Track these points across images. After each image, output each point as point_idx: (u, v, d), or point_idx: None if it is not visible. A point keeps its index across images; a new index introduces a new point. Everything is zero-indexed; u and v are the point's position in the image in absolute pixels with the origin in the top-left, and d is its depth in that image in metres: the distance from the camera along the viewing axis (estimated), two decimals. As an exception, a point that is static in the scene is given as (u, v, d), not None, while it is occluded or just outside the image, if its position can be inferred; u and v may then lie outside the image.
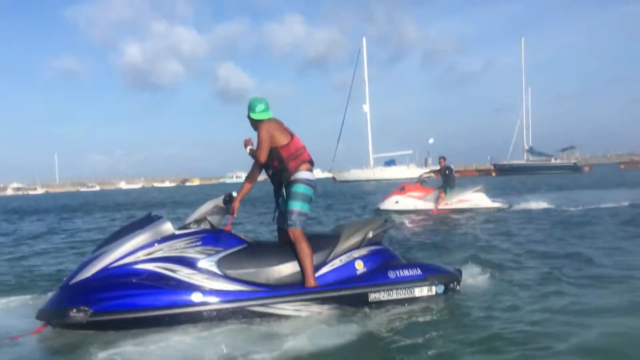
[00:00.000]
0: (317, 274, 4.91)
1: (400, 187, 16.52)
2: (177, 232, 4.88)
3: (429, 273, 5.18)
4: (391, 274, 5.05)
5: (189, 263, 4.69)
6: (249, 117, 5.08)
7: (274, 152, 4.91)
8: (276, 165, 4.96)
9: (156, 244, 4.70)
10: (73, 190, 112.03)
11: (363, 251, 5.18)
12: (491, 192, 16.72)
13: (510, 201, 16.73)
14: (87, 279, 4.52)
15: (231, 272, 4.76)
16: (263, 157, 4.90)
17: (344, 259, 5.09)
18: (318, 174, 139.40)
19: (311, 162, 5.10)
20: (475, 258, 6.98)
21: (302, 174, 4.96)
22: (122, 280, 4.48)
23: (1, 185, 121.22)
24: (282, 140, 4.92)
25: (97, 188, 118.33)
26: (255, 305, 4.66)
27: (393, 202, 16.05)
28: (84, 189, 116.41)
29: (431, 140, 72.92)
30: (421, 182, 16.33)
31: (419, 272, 5.13)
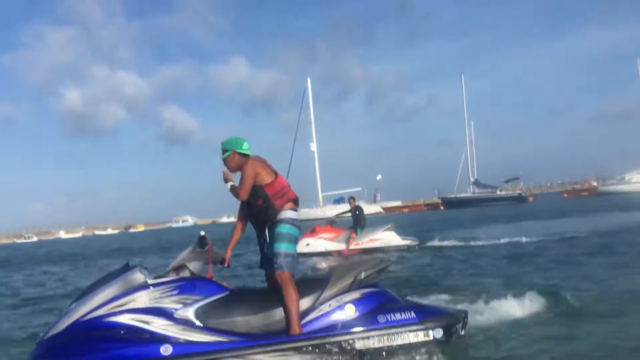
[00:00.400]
0: (303, 321, 4.56)
1: (311, 229, 16.30)
2: (152, 282, 4.56)
3: (424, 316, 4.69)
4: (381, 318, 4.59)
5: (165, 313, 4.43)
6: (228, 155, 4.84)
7: (258, 190, 4.69)
8: (260, 204, 4.70)
9: (130, 295, 4.43)
10: (8, 242, 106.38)
11: (355, 294, 4.74)
12: (438, 227, 16.96)
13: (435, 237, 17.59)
14: (59, 333, 4.35)
15: (210, 322, 4.46)
16: (245, 194, 4.67)
17: (333, 303, 4.68)
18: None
19: (295, 201, 4.85)
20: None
21: (287, 214, 4.71)
22: (93, 334, 4.28)
23: None
24: (267, 178, 4.72)
25: (35, 239, 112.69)
26: (230, 357, 4.32)
27: (304, 245, 15.54)
28: (20, 240, 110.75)
29: (379, 177, 73.74)
30: (331, 223, 16.48)
31: (413, 315, 4.65)
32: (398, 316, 4.61)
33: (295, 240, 4.73)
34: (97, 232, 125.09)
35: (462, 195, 72.67)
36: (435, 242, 16.71)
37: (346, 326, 4.55)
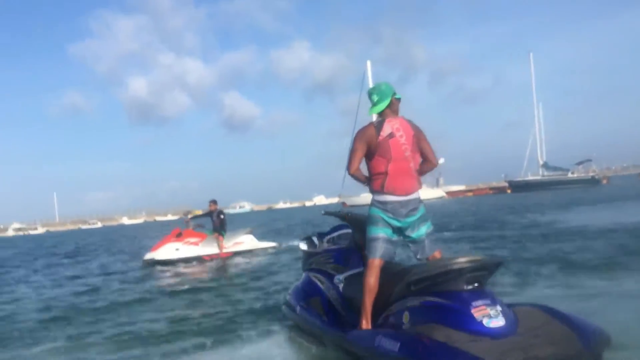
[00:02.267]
0: (379, 317, 4.18)
1: (175, 233, 15.50)
2: (322, 248, 5.41)
3: None
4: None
5: (330, 277, 4.99)
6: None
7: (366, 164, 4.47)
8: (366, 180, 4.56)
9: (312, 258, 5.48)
10: (74, 228, 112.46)
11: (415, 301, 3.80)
12: (507, 210, 16.72)
13: None
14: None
15: (346, 293, 4.70)
16: (353, 164, 4.45)
17: (395, 307, 4.01)
18: (322, 200, 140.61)
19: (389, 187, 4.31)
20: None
21: (376, 195, 4.39)
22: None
23: (1, 227, 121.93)
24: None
25: (99, 225, 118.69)
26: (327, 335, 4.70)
27: (172, 250, 15.01)
28: (85, 226, 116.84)
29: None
30: (195, 227, 15.75)
31: None
32: None
33: (383, 223, 4.29)
34: (158, 218, 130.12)
35: (531, 178, 71.42)
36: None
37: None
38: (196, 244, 15.26)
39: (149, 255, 14.92)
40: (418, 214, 4.32)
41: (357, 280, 4.45)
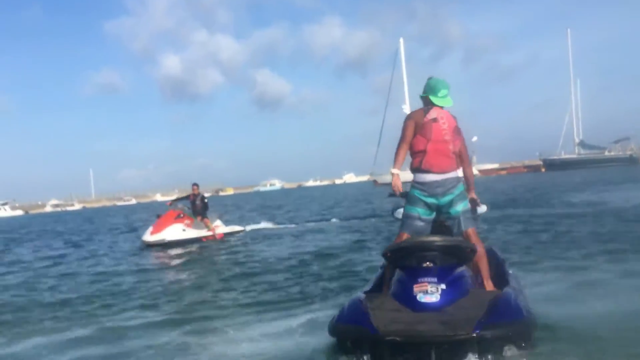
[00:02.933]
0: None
1: (176, 214, 15.40)
2: None
3: None
4: None
5: None
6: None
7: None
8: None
9: None
10: (110, 205, 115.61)
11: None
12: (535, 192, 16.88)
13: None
14: None
15: None
16: (402, 145, 4.96)
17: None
18: (351, 178, 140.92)
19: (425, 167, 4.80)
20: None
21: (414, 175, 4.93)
22: None
23: (40, 203, 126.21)
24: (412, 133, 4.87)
25: (134, 202, 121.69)
26: None
27: (180, 231, 15.07)
28: (120, 202, 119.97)
29: (475, 138, 72.63)
30: (183, 209, 15.65)
31: None
32: None
33: (420, 203, 4.77)
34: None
35: (566, 156, 70.72)
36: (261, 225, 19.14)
37: None
38: (189, 226, 15.32)
39: (155, 236, 14.66)
40: (456, 192, 4.76)
41: None
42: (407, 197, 4.92)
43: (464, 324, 3.53)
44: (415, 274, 4.09)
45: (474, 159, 73.63)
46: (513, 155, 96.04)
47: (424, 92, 4.94)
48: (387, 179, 57.64)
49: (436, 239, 4.24)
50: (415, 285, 3.97)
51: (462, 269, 4.28)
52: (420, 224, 4.82)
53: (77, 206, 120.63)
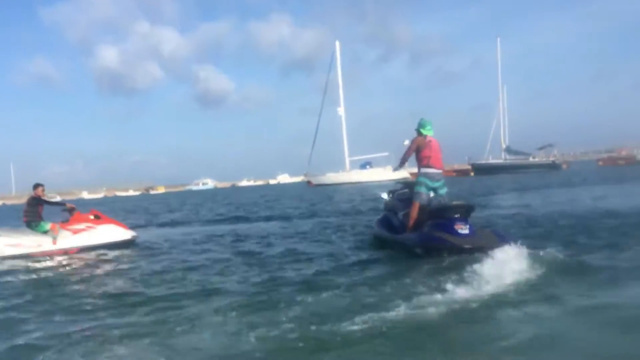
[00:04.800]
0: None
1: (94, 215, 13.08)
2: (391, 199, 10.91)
3: None
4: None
5: (395, 213, 10.34)
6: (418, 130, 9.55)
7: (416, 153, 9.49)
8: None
9: None
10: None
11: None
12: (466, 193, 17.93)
13: None
14: None
15: (403, 220, 9.72)
16: (409, 153, 9.56)
17: (423, 224, 8.92)
18: (286, 178, 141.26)
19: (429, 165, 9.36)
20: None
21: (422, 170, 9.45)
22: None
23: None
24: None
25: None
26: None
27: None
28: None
29: (406, 142, 73.75)
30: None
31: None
32: None
33: (424, 187, 9.23)
34: (119, 194, 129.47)
35: (493, 161, 73.80)
36: None
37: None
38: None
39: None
40: (442, 181, 9.44)
41: (408, 214, 9.36)
42: (416, 182, 9.43)
43: (485, 240, 8.10)
44: (454, 219, 8.37)
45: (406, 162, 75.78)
46: (444, 159, 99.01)
47: (418, 127, 9.53)
48: (320, 179, 58.86)
49: (462, 203, 8.74)
50: (455, 225, 8.28)
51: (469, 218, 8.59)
52: (425, 197, 9.24)
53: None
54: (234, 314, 5.79)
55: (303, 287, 7.00)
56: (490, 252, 7.32)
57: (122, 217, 19.08)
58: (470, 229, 8.26)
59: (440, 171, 9.33)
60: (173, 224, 20.37)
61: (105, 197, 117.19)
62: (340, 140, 72.56)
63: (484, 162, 73.93)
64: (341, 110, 72.39)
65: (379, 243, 10.38)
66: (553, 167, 69.08)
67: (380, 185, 49.48)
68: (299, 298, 6.30)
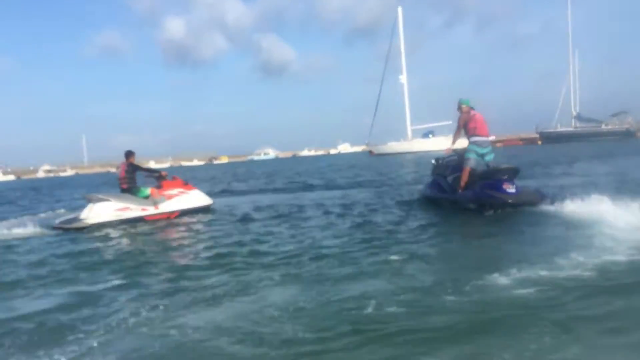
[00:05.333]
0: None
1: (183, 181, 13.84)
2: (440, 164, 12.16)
3: None
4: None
5: (444, 177, 11.64)
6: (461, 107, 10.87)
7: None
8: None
9: None
10: (103, 171, 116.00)
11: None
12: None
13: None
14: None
15: (453, 183, 11.29)
16: (458, 131, 11.07)
17: (474, 185, 10.38)
18: (346, 148, 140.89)
19: (476, 134, 10.61)
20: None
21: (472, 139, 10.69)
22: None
23: (32, 168, 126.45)
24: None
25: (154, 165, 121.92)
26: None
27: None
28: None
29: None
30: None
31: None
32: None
33: (474, 153, 10.48)
34: (184, 163, 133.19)
35: (562, 129, 71.36)
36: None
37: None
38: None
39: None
40: (490, 148, 10.63)
41: (458, 177, 10.77)
42: (467, 149, 10.62)
43: (529, 197, 9.83)
44: (502, 180, 9.78)
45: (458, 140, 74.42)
46: (511, 128, 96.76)
47: (460, 104, 10.82)
48: (382, 149, 58.83)
49: (510, 166, 10.08)
50: (503, 185, 9.71)
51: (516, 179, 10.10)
52: (474, 162, 10.45)
53: (70, 172, 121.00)
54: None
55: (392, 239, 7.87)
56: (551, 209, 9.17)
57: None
58: (516, 188, 9.75)
59: (486, 139, 10.59)
60: (246, 192, 20.81)
61: (171, 167, 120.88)
62: (402, 109, 71.97)
63: (552, 130, 71.63)
64: (403, 78, 71.46)
65: (430, 203, 11.84)
66: (627, 134, 66.15)
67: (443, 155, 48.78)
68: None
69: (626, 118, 70.64)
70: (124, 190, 12.77)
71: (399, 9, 72.29)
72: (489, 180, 9.87)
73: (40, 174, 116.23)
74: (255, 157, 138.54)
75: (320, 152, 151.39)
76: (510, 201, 9.49)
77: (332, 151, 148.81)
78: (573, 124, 72.25)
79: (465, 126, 10.68)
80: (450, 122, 70.89)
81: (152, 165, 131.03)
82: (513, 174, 9.89)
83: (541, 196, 9.79)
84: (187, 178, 15.36)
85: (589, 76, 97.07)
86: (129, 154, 12.80)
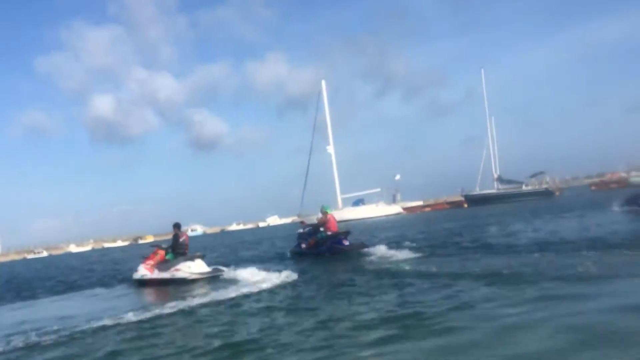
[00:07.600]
0: None
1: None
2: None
3: None
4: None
5: (300, 243, 20.49)
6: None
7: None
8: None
9: None
10: (19, 258, 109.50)
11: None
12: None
13: None
14: None
15: (306, 246, 20.03)
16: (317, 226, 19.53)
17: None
18: (275, 220, 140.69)
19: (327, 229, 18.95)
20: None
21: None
22: None
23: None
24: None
25: (45, 254, 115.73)
26: None
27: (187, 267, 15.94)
28: (30, 255, 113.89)
29: (397, 177, 76.01)
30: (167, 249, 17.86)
31: None
32: None
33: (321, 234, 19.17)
34: (106, 245, 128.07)
35: (486, 191, 74.36)
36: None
37: None
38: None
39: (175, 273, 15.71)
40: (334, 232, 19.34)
41: (311, 241, 19.41)
42: (318, 233, 19.14)
43: (359, 246, 18.40)
44: (341, 238, 18.55)
45: (398, 196, 76.32)
46: (438, 192, 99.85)
47: (322, 209, 19.50)
48: (312, 219, 58.61)
49: (346, 231, 19.32)
50: (343, 240, 18.48)
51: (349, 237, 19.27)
52: (319, 238, 19.42)
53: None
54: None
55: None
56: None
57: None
58: (349, 241, 18.33)
59: (334, 232, 18.68)
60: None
61: (93, 249, 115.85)
62: (332, 179, 73.03)
63: (476, 193, 74.49)
64: (330, 149, 73.01)
65: (297, 256, 19.56)
66: (546, 194, 69.69)
67: (374, 221, 49.51)
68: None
69: (544, 178, 74.85)
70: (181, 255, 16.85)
71: (323, 82, 74.95)
72: (334, 239, 18.12)
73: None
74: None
75: (249, 226, 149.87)
76: (346, 249, 17.59)
77: (261, 224, 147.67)
78: (495, 186, 75.56)
79: (323, 223, 18.72)
80: (379, 190, 72.96)
81: (73, 249, 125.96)
82: (347, 234, 18.41)
83: (363, 245, 17.85)
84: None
85: (507, 140, 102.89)
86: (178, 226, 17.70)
